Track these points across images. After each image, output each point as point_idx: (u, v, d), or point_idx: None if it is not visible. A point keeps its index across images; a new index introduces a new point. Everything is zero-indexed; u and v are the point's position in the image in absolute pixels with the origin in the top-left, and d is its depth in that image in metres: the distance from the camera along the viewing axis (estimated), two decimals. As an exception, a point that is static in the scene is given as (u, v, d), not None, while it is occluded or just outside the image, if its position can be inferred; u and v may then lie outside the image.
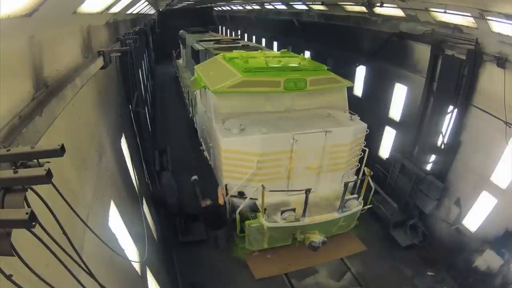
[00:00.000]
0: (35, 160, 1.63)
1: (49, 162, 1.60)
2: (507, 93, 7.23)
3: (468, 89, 8.40)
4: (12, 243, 1.41)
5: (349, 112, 8.70)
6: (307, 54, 16.69)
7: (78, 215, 2.11)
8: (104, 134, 5.37)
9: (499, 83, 7.39)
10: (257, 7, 23.79)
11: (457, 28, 8.51)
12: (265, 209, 7.43)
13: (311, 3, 14.78)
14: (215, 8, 34.65)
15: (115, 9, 6.14)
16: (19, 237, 1.50)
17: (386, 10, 10.75)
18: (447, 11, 7.87)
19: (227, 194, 7.89)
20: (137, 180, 7.20)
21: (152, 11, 20.03)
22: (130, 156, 7.45)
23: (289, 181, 7.86)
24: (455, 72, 8.58)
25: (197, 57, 13.58)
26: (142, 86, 13.34)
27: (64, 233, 1.80)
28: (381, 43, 11.29)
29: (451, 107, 9.01)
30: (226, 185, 7.87)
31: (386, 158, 11.93)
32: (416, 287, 8.01)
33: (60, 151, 1.62)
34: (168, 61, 27.21)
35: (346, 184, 7.51)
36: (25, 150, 1.61)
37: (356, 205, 7.97)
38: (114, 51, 5.68)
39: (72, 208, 2.00)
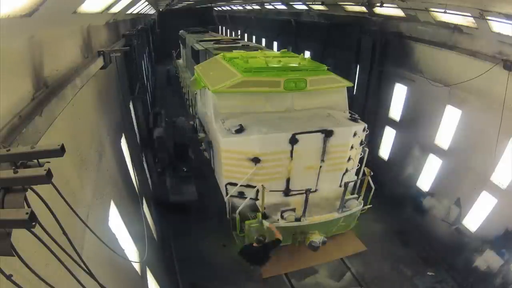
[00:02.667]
0: (35, 160, 1.63)
1: (49, 162, 1.60)
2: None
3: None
4: (12, 243, 1.42)
5: (349, 112, 8.70)
6: (307, 54, 16.71)
7: (77, 215, 2.11)
8: (104, 134, 5.38)
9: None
10: (257, 7, 23.78)
11: (457, 28, 8.52)
12: (264, 209, 7.44)
13: (311, 3, 14.78)
14: (215, 8, 34.63)
15: (115, 9, 6.14)
16: (19, 237, 1.50)
17: (386, 10, 10.76)
18: (447, 11, 7.88)
19: (227, 194, 7.89)
20: (137, 180, 7.20)
21: (152, 11, 20.03)
22: (130, 156, 7.45)
23: (289, 181, 7.86)
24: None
25: (197, 57, 13.57)
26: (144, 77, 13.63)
27: (64, 233, 1.80)
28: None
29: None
30: (226, 185, 7.87)
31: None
32: (416, 287, 8.01)
33: (60, 151, 1.62)
34: (168, 61, 27.21)
35: (346, 184, 7.50)
36: (25, 150, 1.61)
37: (356, 205, 7.97)
38: (114, 51, 5.69)
39: (72, 209, 2.00)
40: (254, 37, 27.20)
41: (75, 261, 1.94)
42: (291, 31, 19.07)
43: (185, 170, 9.85)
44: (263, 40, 24.83)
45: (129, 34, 8.99)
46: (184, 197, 9.05)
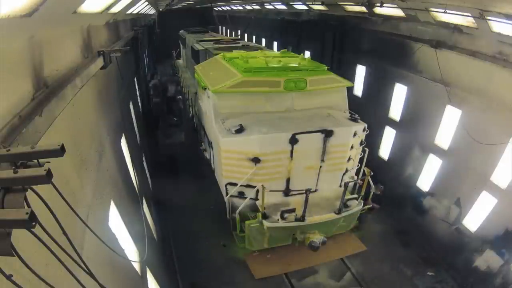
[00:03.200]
0: (35, 160, 1.63)
1: (49, 162, 1.60)
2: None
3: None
4: (12, 243, 1.41)
5: (349, 112, 8.70)
6: (307, 54, 16.74)
7: (77, 215, 2.11)
8: (104, 134, 5.38)
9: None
10: (257, 7, 23.79)
11: (457, 28, 8.52)
12: (264, 209, 7.44)
13: (311, 3, 14.79)
14: (215, 8, 34.62)
15: (115, 9, 6.14)
16: (19, 237, 1.50)
17: (386, 10, 10.76)
18: (447, 11, 7.87)
19: (227, 194, 7.89)
20: (137, 180, 7.20)
21: (152, 11, 20.02)
22: (130, 156, 7.45)
23: (289, 181, 7.86)
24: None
25: (197, 57, 13.57)
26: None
27: (64, 233, 1.80)
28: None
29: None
30: (226, 185, 7.87)
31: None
32: (416, 287, 8.01)
33: (60, 151, 1.62)
34: (169, 61, 27.20)
35: (346, 184, 7.51)
36: (25, 150, 1.61)
37: (356, 205, 7.97)
38: (114, 51, 5.71)
39: (72, 208, 2.00)
40: (254, 37, 27.20)
41: (75, 261, 1.94)
42: (277, 28, 21.59)
43: (175, 119, 13.08)
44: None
45: (137, 29, 12.23)
46: (174, 140, 12.14)
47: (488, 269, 7.63)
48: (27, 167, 1.60)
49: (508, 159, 7.54)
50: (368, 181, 8.09)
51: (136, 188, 7.08)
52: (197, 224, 9.60)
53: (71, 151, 3.37)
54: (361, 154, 8.45)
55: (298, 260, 8.34)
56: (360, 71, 13.60)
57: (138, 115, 10.30)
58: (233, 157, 7.49)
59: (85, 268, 2.01)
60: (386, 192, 10.28)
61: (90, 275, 2.05)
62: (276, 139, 7.28)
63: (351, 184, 8.39)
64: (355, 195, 8.18)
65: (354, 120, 8.18)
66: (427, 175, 10.23)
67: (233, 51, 11.70)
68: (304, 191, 7.08)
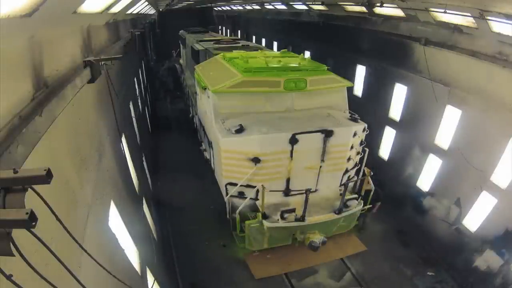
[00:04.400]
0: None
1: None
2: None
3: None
4: (12, 243, 1.41)
5: (349, 112, 8.70)
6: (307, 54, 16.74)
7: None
8: (104, 134, 5.38)
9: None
10: (257, 7, 23.80)
11: (457, 28, 8.52)
12: (264, 209, 7.44)
13: (311, 3, 14.79)
14: (215, 8, 34.61)
15: (115, 9, 6.14)
16: (19, 237, 1.50)
17: (386, 10, 10.76)
18: (447, 11, 7.87)
19: (227, 194, 7.89)
20: (137, 180, 7.20)
21: (152, 11, 20.05)
22: (130, 156, 7.45)
23: (289, 181, 7.86)
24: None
25: (197, 57, 13.57)
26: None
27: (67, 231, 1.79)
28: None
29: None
30: (226, 185, 7.86)
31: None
32: (416, 287, 8.01)
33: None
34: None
35: (346, 184, 7.50)
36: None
37: (356, 205, 7.98)
38: (104, 60, 5.05)
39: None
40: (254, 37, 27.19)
41: (80, 245, 1.92)
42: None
43: (178, 93, 19.89)
44: (263, 40, 24.89)
45: (143, 24, 15.57)
46: (177, 107, 18.62)
47: (488, 269, 7.63)
48: (27, 167, 1.60)
49: (508, 159, 7.54)
50: (368, 181, 8.09)
51: (136, 188, 7.08)
52: (197, 224, 9.60)
53: (71, 151, 3.37)
54: (361, 154, 8.45)
55: (298, 260, 8.34)
56: (360, 71, 13.59)
57: (138, 115, 10.50)
58: (233, 157, 7.49)
59: (86, 252, 1.97)
60: (386, 192, 10.29)
61: (90, 256, 2.00)
62: (276, 139, 7.29)
63: (351, 184, 8.40)
64: (355, 195, 8.18)
65: (354, 120, 8.18)
66: (427, 175, 10.23)
67: (233, 51, 11.70)
68: (304, 191, 7.08)
